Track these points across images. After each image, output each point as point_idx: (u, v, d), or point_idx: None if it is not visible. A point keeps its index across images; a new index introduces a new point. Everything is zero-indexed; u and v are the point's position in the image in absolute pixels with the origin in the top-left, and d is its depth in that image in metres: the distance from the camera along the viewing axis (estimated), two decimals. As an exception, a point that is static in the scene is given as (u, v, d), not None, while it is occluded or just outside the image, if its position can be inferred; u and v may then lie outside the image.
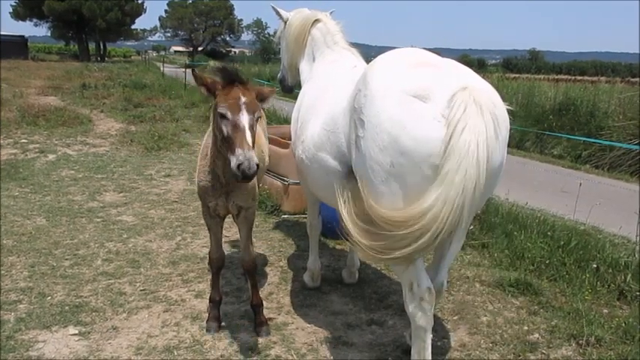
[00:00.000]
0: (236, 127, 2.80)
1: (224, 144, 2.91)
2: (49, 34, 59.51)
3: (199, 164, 3.49)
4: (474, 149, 2.42)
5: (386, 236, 2.59)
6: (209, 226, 3.69)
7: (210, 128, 3.46)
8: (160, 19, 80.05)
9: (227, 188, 3.41)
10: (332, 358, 3.48)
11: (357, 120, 2.79)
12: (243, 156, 2.69)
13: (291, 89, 4.99)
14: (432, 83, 2.59)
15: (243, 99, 2.88)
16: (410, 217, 2.50)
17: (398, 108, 2.58)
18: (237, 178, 2.75)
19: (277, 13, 4.51)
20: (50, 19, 54.20)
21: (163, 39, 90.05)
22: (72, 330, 3.68)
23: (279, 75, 5.03)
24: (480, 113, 2.47)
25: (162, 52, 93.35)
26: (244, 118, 2.83)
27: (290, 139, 4.73)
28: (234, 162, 2.72)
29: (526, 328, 3.88)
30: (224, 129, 2.86)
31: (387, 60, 2.87)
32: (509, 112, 2.74)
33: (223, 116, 2.86)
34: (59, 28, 56.09)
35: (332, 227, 5.40)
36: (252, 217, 3.68)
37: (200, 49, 79.98)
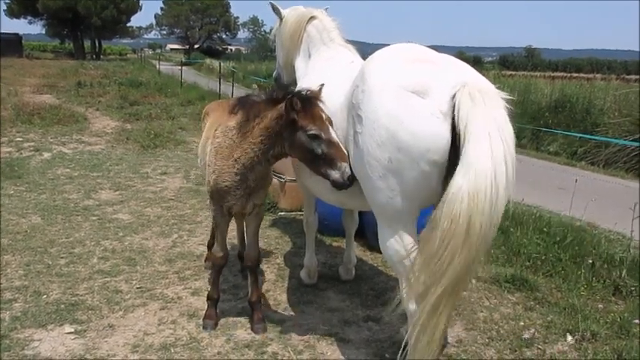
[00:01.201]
0: (331, 143, 2.96)
1: (319, 161, 3.01)
2: (43, 32, 59.22)
3: (219, 164, 3.38)
4: (497, 136, 2.40)
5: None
6: (218, 224, 3.67)
7: (225, 127, 3.43)
8: (155, 16, 79.86)
9: (251, 190, 3.45)
10: (329, 354, 3.48)
11: (354, 116, 2.79)
12: (347, 167, 2.93)
13: (286, 87, 4.98)
14: (429, 79, 2.60)
15: (324, 115, 3.02)
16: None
17: (396, 104, 2.59)
18: (342, 187, 2.98)
19: (275, 9, 4.48)
20: (45, 16, 53.92)
21: (159, 37, 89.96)
22: (68, 328, 3.66)
23: (274, 73, 5.01)
24: (490, 101, 2.48)
25: (158, 50, 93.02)
26: (334, 133, 2.99)
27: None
28: (339, 175, 2.94)
29: (522, 323, 3.90)
30: (318, 148, 2.98)
31: (384, 56, 2.87)
32: (510, 103, 2.72)
33: (316, 137, 2.97)
34: (54, 26, 55.79)
35: (328, 224, 5.42)
36: (263, 213, 3.81)
37: (196, 46, 79.77)
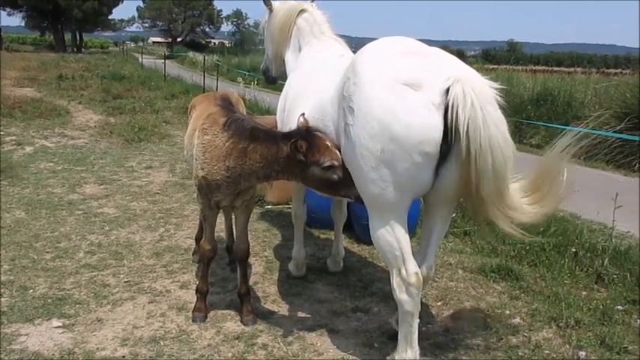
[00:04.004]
0: (343, 167, 2.98)
1: (337, 185, 3.04)
2: (23, 24, 58.18)
3: (209, 163, 3.35)
4: (500, 136, 2.59)
5: None
6: (207, 217, 3.67)
7: (214, 124, 3.41)
8: (137, 9, 78.91)
9: (241, 190, 3.47)
10: (318, 345, 3.50)
11: (346, 108, 2.81)
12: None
13: (275, 80, 4.97)
14: (422, 72, 2.63)
15: (328, 142, 3.03)
16: None
17: (389, 96, 2.62)
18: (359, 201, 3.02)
19: (265, 0, 4.45)
20: (24, 8, 52.96)
21: (141, 30, 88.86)
22: (55, 322, 3.64)
23: (262, 66, 5.00)
24: (487, 102, 2.59)
25: (141, 43, 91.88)
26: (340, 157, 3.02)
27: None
28: (356, 193, 2.99)
29: (508, 312, 3.96)
30: (335, 176, 3.00)
31: (376, 48, 2.89)
32: (500, 92, 2.80)
33: (331, 167, 2.99)
34: (34, 18, 54.89)
35: (316, 217, 5.44)
36: (252, 205, 3.84)
37: (179, 39, 79.02)
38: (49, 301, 3.93)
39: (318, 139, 3.05)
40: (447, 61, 2.76)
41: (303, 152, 3.02)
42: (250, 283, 4.28)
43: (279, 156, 3.14)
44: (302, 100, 3.56)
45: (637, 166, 9.57)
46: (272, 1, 4.47)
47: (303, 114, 3.26)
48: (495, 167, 2.60)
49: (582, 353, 3.37)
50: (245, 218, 3.75)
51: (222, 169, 3.33)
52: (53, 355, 3.28)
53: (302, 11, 4.23)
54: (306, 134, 3.07)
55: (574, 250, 4.76)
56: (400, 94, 2.60)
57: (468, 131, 2.53)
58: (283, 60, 4.41)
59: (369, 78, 2.71)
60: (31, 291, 4.07)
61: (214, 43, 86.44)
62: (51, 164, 8.07)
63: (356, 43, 4.04)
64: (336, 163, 2.99)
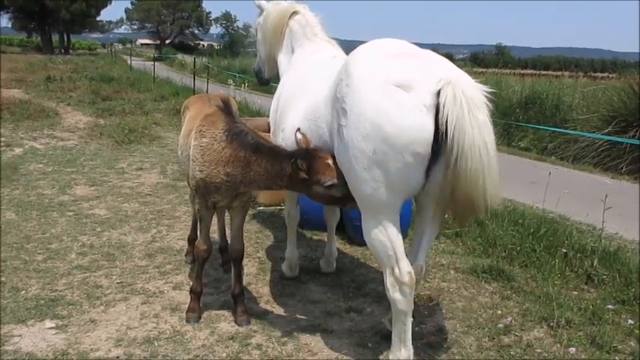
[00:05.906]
0: (345, 183, 2.97)
1: (342, 200, 3.06)
2: (9, 26, 57.63)
3: (208, 166, 3.36)
4: (481, 141, 2.61)
5: None
6: (203, 217, 3.68)
7: (212, 127, 3.42)
8: (126, 10, 78.39)
9: (240, 192, 3.48)
10: (312, 344, 3.52)
11: (339, 109, 2.84)
12: None
13: (267, 82, 4.99)
14: (413, 73, 2.67)
15: (329, 160, 3.04)
16: None
17: (381, 97, 2.65)
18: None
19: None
20: (11, 9, 52.43)
21: (130, 31, 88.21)
22: (48, 323, 3.62)
23: (255, 67, 5.02)
24: (475, 106, 2.60)
25: (129, 45, 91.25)
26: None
27: (264, 132, 4.73)
28: None
29: (499, 312, 4.00)
30: (337, 193, 3.03)
31: (368, 50, 2.93)
32: (491, 96, 2.84)
33: (332, 185, 3.01)
34: (21, 20, 54.33)
35: (309, 218, 5.45)
36: (249, 206, 3.87)
37: (168, 41, 78.66)
38: (42, 302, 3.91)
39: (319, 159, 3.06)
40: (438, 63, 2.80)
41: (304, 171, 3.04)
42: (244, 283, 4.28)
43: (282, 174, 3.16)
44: (295, 102, 3.58)
45: (624, 169, 9.70)
46: (264, 3, 4.48)
47: (298, 129, 3.28)
48: (471, 172, 2.64)
49: (572, 349, 3.42)
50: (241, 219, 3.76)
51: (221, 173, 3.34)
52: (47, 355, 3.27)
53: (295, 13, 4.26)
54: (307, 154, 3.10)
55: (564, 251, 4.82)
56: (392, 96, 2.64)
57: (454, 133, 2.58)
58: (276, 62, 4.43)
59: (361, 79, 2.74)
60: (24, 292, 4.04)
61: (203, 45, 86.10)
62: (41, 166, 8.01)
63: (346, 46, 4.06)
64: (337, 181, 3.00)
